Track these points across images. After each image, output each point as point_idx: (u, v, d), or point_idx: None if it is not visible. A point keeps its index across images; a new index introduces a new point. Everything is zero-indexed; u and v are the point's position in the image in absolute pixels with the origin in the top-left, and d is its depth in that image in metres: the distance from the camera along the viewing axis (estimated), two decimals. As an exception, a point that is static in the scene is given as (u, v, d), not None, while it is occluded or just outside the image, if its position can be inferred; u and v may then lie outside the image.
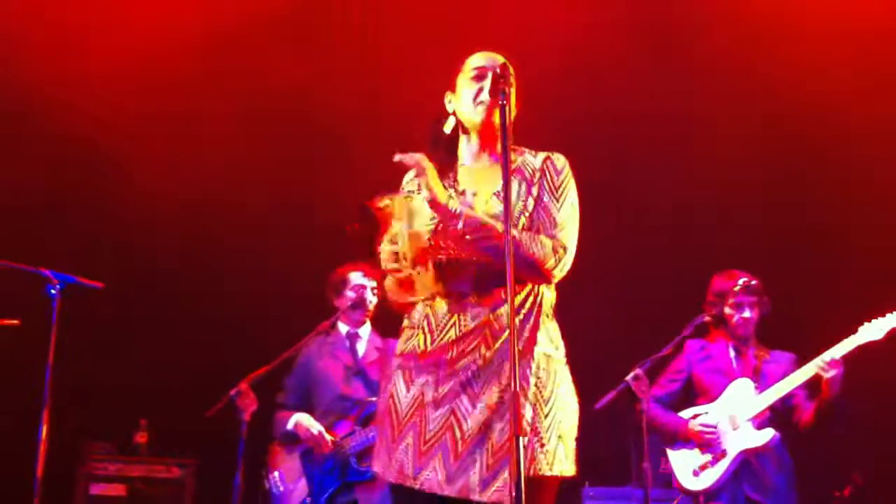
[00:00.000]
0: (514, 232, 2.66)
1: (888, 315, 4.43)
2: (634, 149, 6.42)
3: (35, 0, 6.27)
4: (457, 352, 2.68)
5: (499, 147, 2.64)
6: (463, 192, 2.81)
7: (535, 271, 2.70)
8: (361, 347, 4.94)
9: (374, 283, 4.88)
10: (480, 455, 2.60)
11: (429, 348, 2.72)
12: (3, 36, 6.08)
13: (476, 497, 2.58)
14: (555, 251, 2.71)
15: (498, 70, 2.69)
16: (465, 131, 2.90)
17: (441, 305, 2.74)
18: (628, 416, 4.31)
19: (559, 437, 2.68)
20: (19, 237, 5.56)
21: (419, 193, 2.83)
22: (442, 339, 2.71)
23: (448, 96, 2.93)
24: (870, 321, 4.44)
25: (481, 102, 2.81)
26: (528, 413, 2.62)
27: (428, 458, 2.65)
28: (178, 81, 6.35)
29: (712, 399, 4.69)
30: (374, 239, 2.76)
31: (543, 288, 2.77)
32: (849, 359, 4.41)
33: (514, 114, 2.77)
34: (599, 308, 5.85)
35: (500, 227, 2.62)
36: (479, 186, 2.82)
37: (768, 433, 4.53)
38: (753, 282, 4.70)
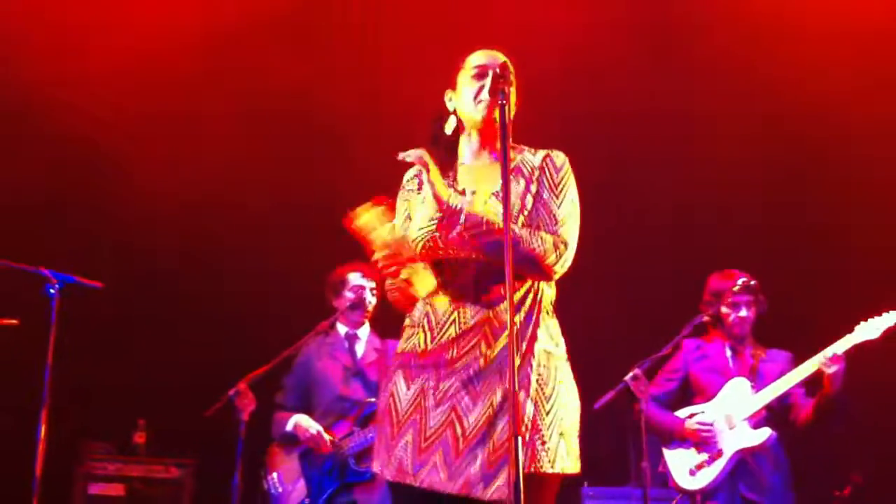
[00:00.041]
0: (515, 228, 2.65)
1: (884, 314, 4.43)
2: (634, 149, 6.42)
3: (35, 0, 6.27)
4: (457, 350, 2.68)
5: (498, 145, 2.63)
6: (462, 192, 2.80)
7: (535, 267, 2.69)
8: (360, 348, 4.94)
9: (373, 284, 4.88)
10: (482, 452, 2.59)
11: (429, 347, 2.71)
12: (3, 36, 6.08)
13: (478, 494, 2.57)
14: (556, 247, 2.70)
15: (498, 69, 2.68)
16: (466, 129, 2.89)
17: (441, 303, 2.74)
18: (627, 415, 4.30)
19: (560, 434, 2.66)
20: (19, 237, 5.54)
21: (419, 192, 2.84)
22: (442, 337, 2.70)
23: (448, 94, 2.92)
24: (866, 320, 4.44)
25: (482, 101, 2.80)
26: (529, 410, 2.61)
27: (428, 455, 2.64)
28: (178, 81, 6.34)
29: (709, 398, 4.69)
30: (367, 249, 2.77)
31: (543, 285, 2.76)
32: (847, 358, 4.41)
33: (513, 112, 2.77)
34: (599, 308, 5.85)
35: (500, 223, 2.61)
36: (478, 185, 2.81)
37: (765, 432, 4.52)
38: (752, 282, 4.70)
